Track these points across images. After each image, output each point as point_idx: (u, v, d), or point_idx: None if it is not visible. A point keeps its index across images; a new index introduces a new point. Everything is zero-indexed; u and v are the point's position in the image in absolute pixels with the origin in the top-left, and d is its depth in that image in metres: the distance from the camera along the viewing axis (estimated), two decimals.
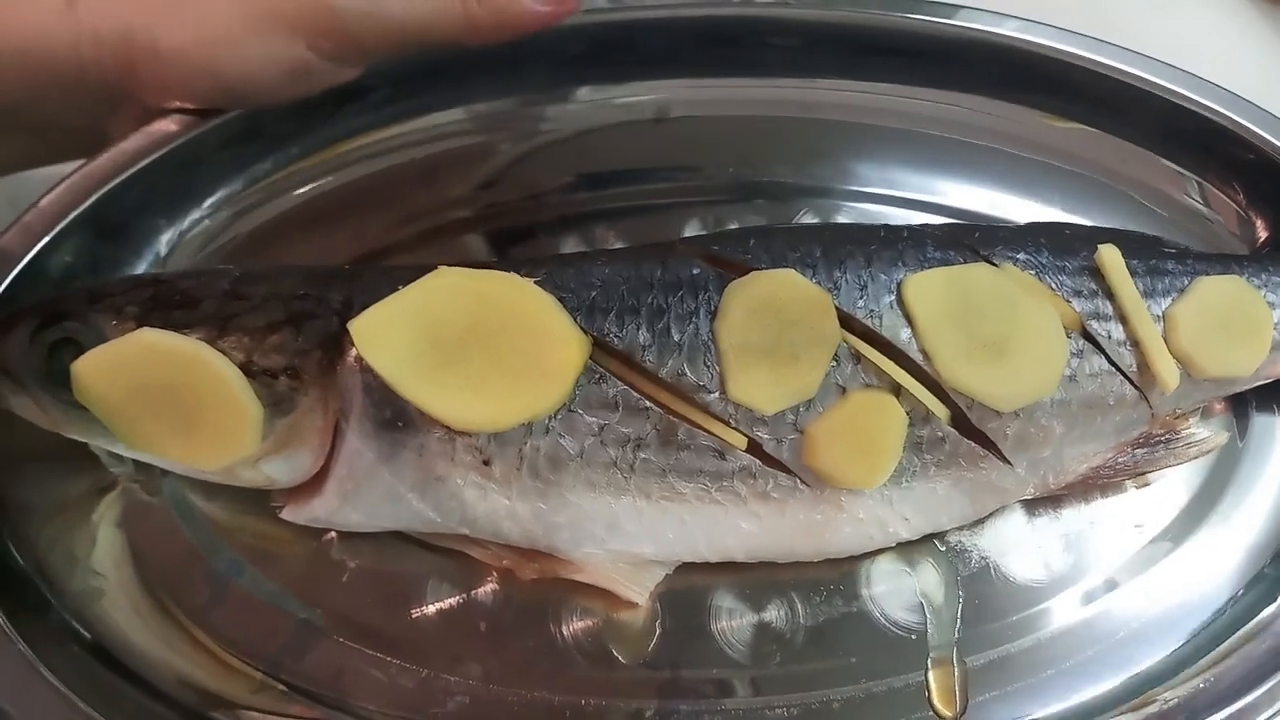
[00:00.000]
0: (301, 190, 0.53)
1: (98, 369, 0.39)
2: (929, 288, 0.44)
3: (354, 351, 0.40)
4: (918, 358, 0.43)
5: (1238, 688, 0.43)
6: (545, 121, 0.55)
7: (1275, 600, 0.46)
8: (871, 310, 0.43)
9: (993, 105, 0.57)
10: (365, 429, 0.41)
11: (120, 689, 0.42)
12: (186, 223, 0.50)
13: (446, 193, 0.53)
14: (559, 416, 0.41)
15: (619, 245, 0.52)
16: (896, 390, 0.43)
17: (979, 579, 0.47)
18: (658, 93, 0.55)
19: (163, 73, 0.45)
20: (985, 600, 0.46)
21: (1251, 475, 0.50)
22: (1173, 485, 0.49)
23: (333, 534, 0.46)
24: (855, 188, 0.56)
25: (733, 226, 0.53)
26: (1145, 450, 0.48)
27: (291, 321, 0.41)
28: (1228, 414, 0.51)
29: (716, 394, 0.42)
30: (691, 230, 0.53)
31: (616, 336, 0.42)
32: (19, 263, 0.45)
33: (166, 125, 0.48)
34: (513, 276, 0.41)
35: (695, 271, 0.43)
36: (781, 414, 0.42)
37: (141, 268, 0.50)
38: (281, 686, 0.44)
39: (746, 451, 0.42)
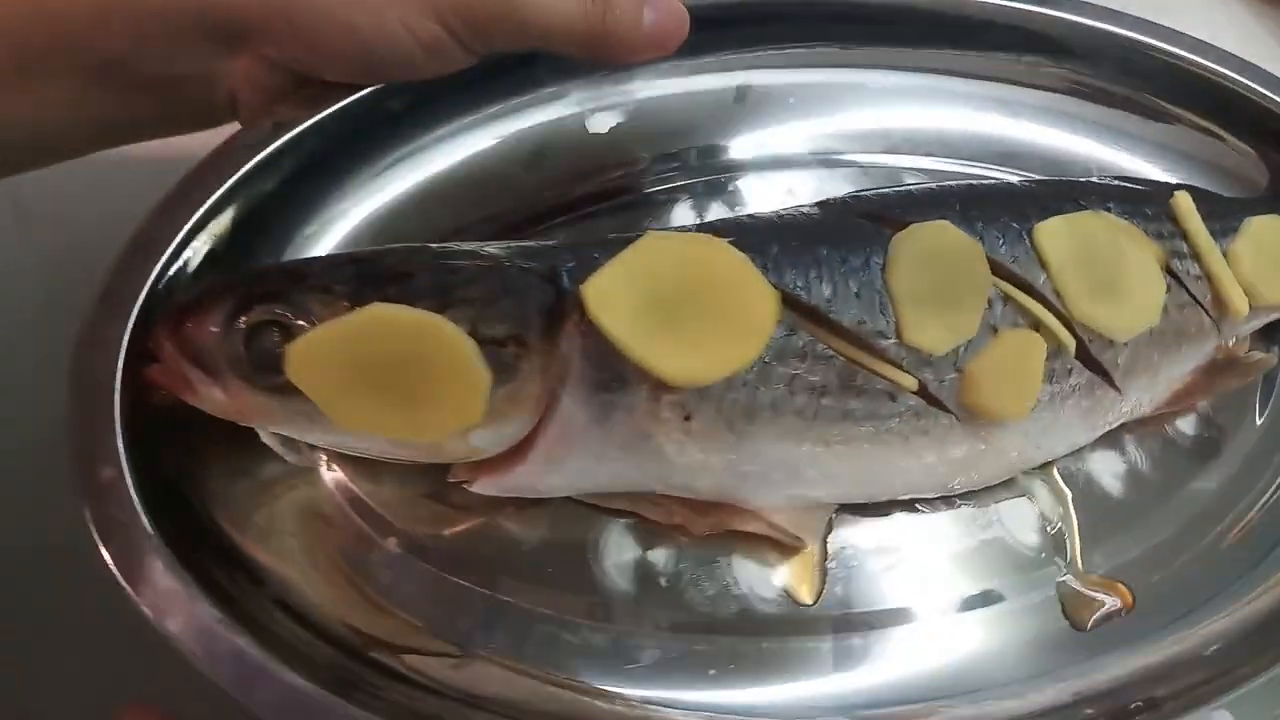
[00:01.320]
0: (413, 178, 0.52)
1: (318, 349, 0.39)
2: (1056, 234, 0.48)
3: (574, 316, 0.41)
4: (1051, 297, 0.47)
5: None
6: (634, 97, 0.56)
7: None
8: (1014, 256, 0.47)
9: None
10: (580, 393, 0.42)
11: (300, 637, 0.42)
12: (320, 207, 0.49)
13: (549, 175, 0.54)
14: (754, 369, 0.43)
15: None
16: (1037, 327, 0.47)
17: (1087, 499, 0.51)
18: (738, 71, 0.57)
19: (295, 20, 0.43)
20: (1097, 518, 0.51)
21: None
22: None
23: (499, 509, 0.46)
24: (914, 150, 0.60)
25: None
26: (1214, 374, 0.54)
27: (509, 290, 0.41)
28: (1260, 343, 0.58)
29: (892, 340, 0.45)
30: (786, 199, 0.56)
31: (802, 290, 0.44)
32: (165, 249, 0.44)
33: (284, 108, 0.47)
34: (712, 238, 0.43)
35: (856, 226, 0.46)
36: (945, 355, 0.45)
37: (279, 254, 0.48)
38: (474, 654, 0.44)
39: (914, 393, 0.45)
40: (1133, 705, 0.46)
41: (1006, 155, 0.60)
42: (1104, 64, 0.60)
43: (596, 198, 0.54)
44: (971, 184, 0.53)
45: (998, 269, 0.47)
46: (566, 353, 0.41)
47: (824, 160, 0.58)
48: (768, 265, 0.44)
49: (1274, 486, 0.53)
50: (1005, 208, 0.48)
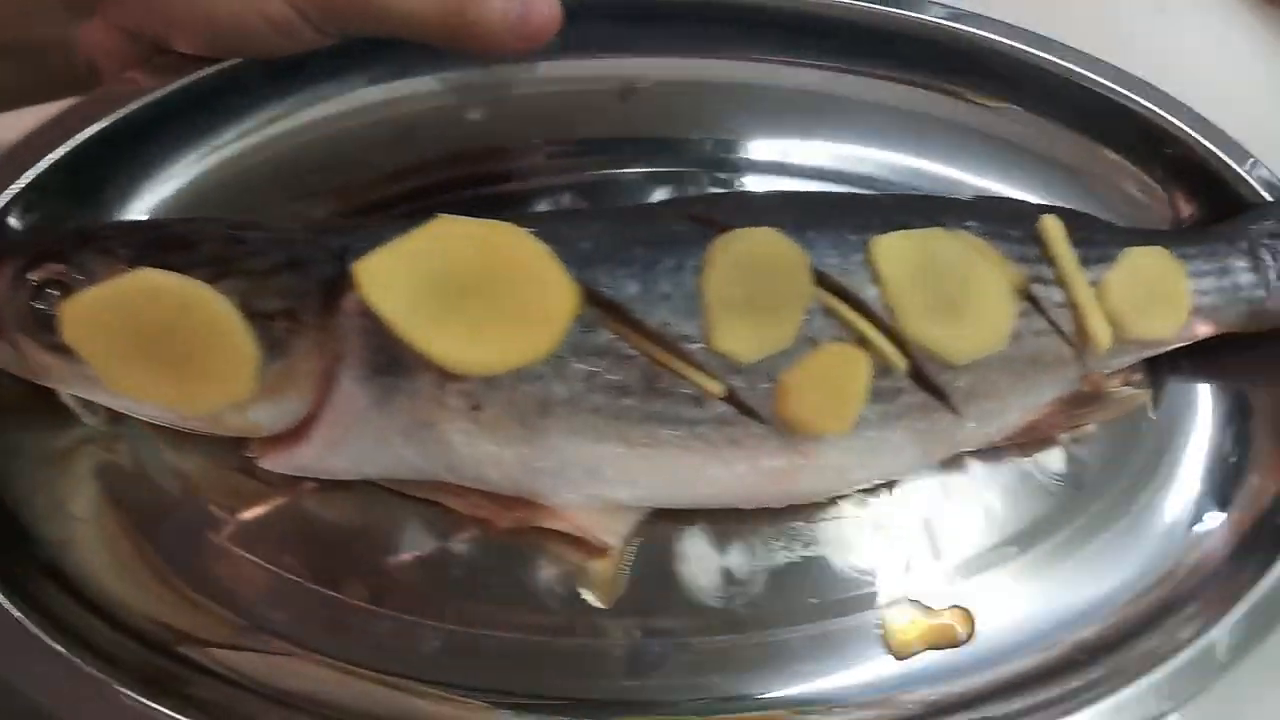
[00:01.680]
0: (276, 151, 0.52)
1: (90, 310, 0.39)
2: (894, 249, 0.46)
3: (353, 296, 0.40)
4: (882, 314, 0.46)
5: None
6: (515, 90, 0.55)
7: None
8: (843, 268, 0.46)
9: (932, 88, 0.59)
10: (359, 374, 0.41)
11: (93, 627, 0.42)
12: (160, 177, 0.49)
13: (420, 158, 0.54)
14: (549, 363, 0.42)
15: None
16: (862, 343, 0.46)
17: (927, 525, 0.50)
18: (626, 67, 0.56)
19: None
20: (934, 544, 0.50)
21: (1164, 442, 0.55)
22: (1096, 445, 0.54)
23: (307, 486, 0.46)
24: (807, 164, 0.58)
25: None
26: (1076, 407, 0.52)
27: (291, 265, 0.41)
28: (1145, 377, 0.56)
29: (699, 344, 0.44)
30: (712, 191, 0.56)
31: (607, 287, 0.43)
32: None
33: (141, 75, 0.47)
34: (511, 226, 0.42)
35: (680, 228, 0.45)
36: (757, 364, 0.44)
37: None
38: (259, 631, 0.44)
39: (723, 400, 0.44)
40: None
41: (898, 170, 0.58)
42: (1017, 86, 0.58)
43: (461, 185, 0.54)
44: (821, 193, 0.52)
45: (824, 280, 0.46)
46: (344, 332, 0.41)
47: (706, 163, 0.57)
48: (572, 259, 0.43)
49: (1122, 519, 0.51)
50: (846, 220, 0.47)
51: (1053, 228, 0.50)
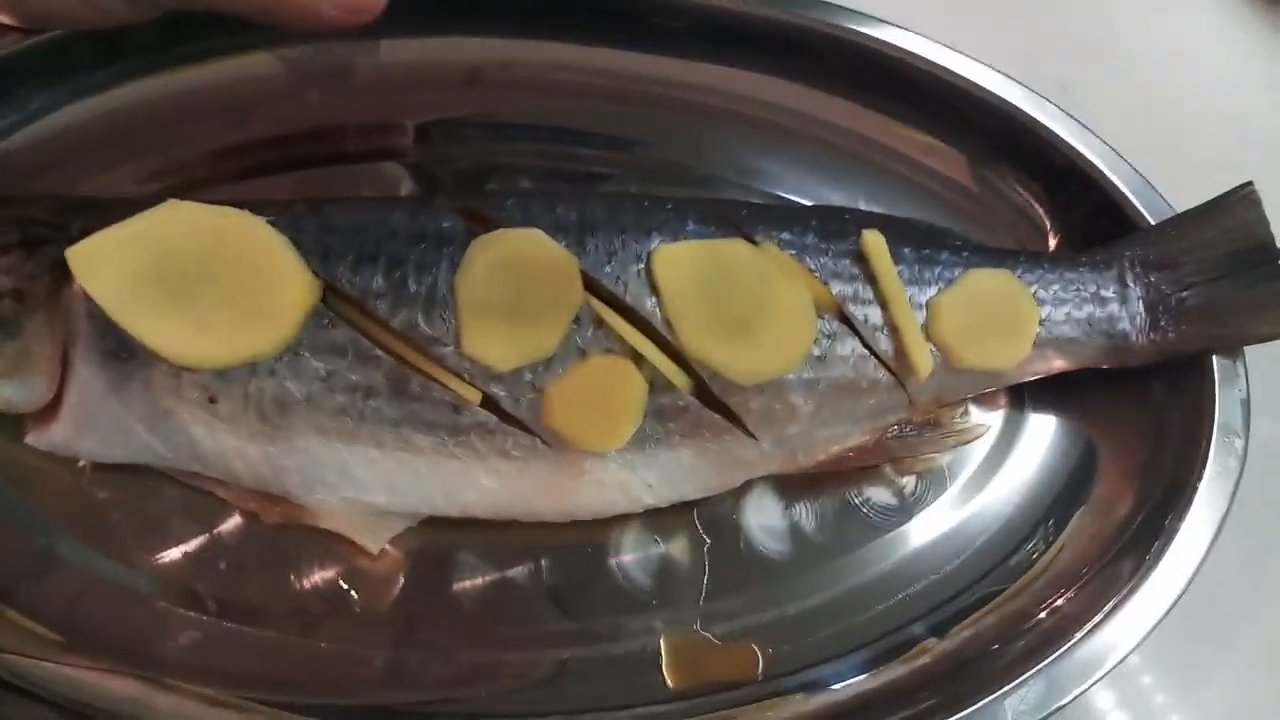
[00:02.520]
0: (105, 121, 0.52)
1: None
2: (678, 259, 0.44)
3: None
4: (661, 327, 0.43)
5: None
6: (353, 69, 0.54)
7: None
8: (618, 277, 0.44)
9: (821, 99, 0.56)
10: (92, 358, 0.41)
11: None
12: None
13: (254, 134, 0.53)
14: (284, 359, 0.41)
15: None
16: (638, 357, 0.43)
17: (728, 551, 0.47)
18: (473, 49, 0.55)
19: None
20: (730, 572, 0.47)
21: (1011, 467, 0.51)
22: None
23: (86, 464, 0.46)
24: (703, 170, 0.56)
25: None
26: (902, 436, 0.48)
27: (24, 245, 0.41)
28: (1007, 408, 0.52)
29: (451, 348, 0.42)
30: (492, 187, 0.53)
31: (349, 282, 0.42)
32: None
33: None
34: (245, 214, 0.41)
35: (445, 224, 0.44)
36: (520, 372, 0.42)
37: None
38: (12, 610, 0.44)
39: (483, 407, 0.43)
40: None
41: (745, 171, 0.55)
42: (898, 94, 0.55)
43: (290, 164, 0.53)
44: (616, 194, 0.49)
45: (597, 289, 0.43)
46: (74, 314, 0.40)
47: (549, 154, 0.55)
48: (314, 251, 0.42)
49: (949, 567, 0.48)
50: (632, 225, 0.45)
51: (874, 243, 0.47)
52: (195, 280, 0.40)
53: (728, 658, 0.46)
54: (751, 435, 0.45)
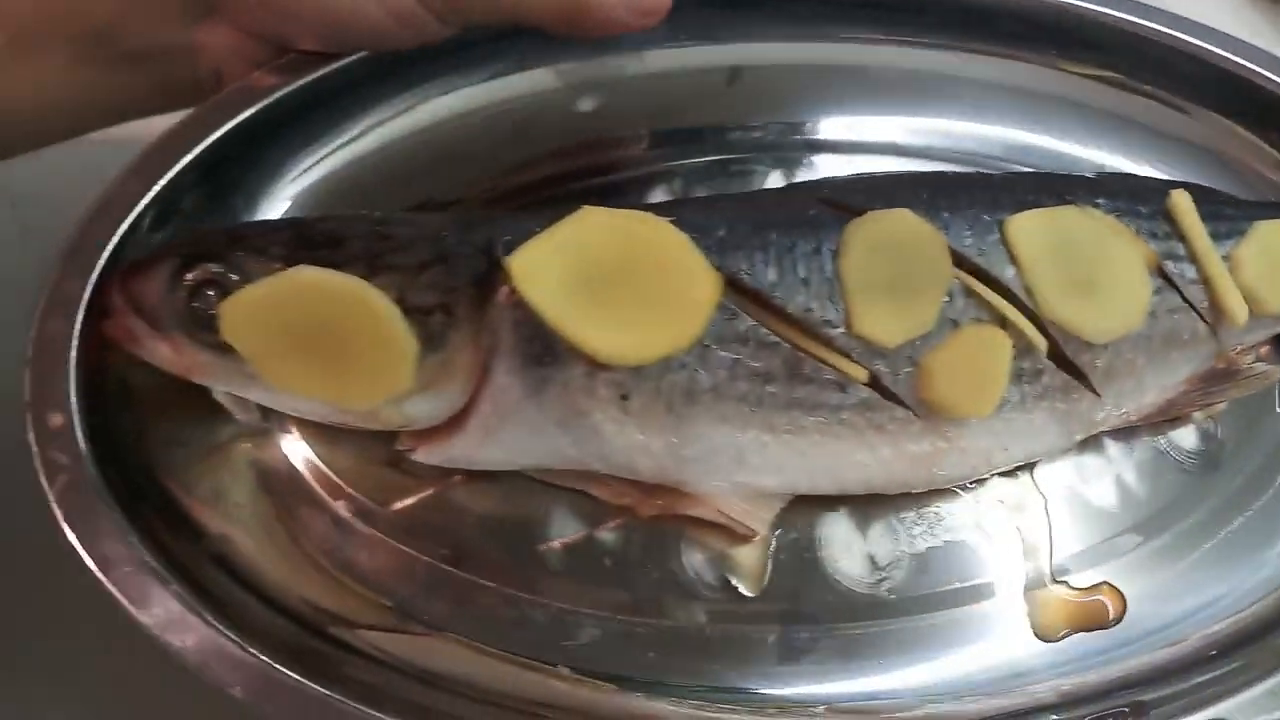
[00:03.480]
0: (391, 147, 0.53)
1: (249, 307, 0.40)
2: (1029, 228, 0.46)
3: (505, 288, 0.41)
4: (1021, 294, 0.46)
5: None
6: (623, 79, 0.56)
7: None
8: (980, 249, 0.46)
9: (1039, 62, 0.59)
10: (513, 365, 0.42)
11: (252, 608, 0.43)
12: (287, 177, 0.50)
13: (530, 153, 0.54)
14: (694, 352, 0.43)
15: None
16: (1003, 324, 0.45)
17: (1066, 507, 0.50)
18: (730, 53, 0.57)
19: None
20: (1072, 525, 0.49)
21: None
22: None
23: (454, 479, 0.47)
24: (918, 144, 0.58)
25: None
26: (1211, 383, 0.51)
27: (441, 259, 0.42)
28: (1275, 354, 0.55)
29: (840, 329, 0.44)
30: (773, 183, 0.55)
31: (746, 274, 0.43)
32: (130, 210, 0.45)
33: (265, 76, 0.48)
34: (652, 216, 0.43)
35: (813, 213, 0.45)
36: (899, 348, 0.44)
37: (239, 220, 0.50)
38: (412, 619, 0.45)
39: (866, 385, 0.44)
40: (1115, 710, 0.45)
41: (1012, 149, 0.58)
42: (1123, 57, 0.57)
43: (577, 177, 0.54)
44: (945, 173, 0.52)
45: (962, 261, 0.46)
46: (497, 324, 0.41)
47: (816, 146, 0.57)
48: (711, 247, 0.43)
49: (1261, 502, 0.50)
50: (977, 199, 0.47)
51: (1183, 203, 0.50)
52: (616, 282, 0.41)
53: (1090, 605, 0.48)
54: (1096, 393, 0.48)
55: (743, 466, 0.45)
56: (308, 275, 0.40)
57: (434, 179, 0.53)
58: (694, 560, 0.47)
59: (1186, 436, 0.52)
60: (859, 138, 0.57)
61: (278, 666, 0.39)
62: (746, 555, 0.47)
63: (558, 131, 0.54)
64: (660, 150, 0.56)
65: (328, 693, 0.39)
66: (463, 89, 0.53)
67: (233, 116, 0.47)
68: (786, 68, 0.57)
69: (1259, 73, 0.56)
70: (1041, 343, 0.46)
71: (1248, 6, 0.74)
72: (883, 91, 0.58)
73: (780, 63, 0.57)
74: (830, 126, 0.57)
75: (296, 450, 0.47)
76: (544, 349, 0.42)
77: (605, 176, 0.55)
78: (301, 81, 0.48)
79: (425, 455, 0.44)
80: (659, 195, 0.54)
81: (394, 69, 0.51)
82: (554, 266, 0.41)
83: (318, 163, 0.51)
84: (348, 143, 0.52)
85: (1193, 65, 0.56)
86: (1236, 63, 0.56)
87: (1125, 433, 0.51)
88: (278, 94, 0.48)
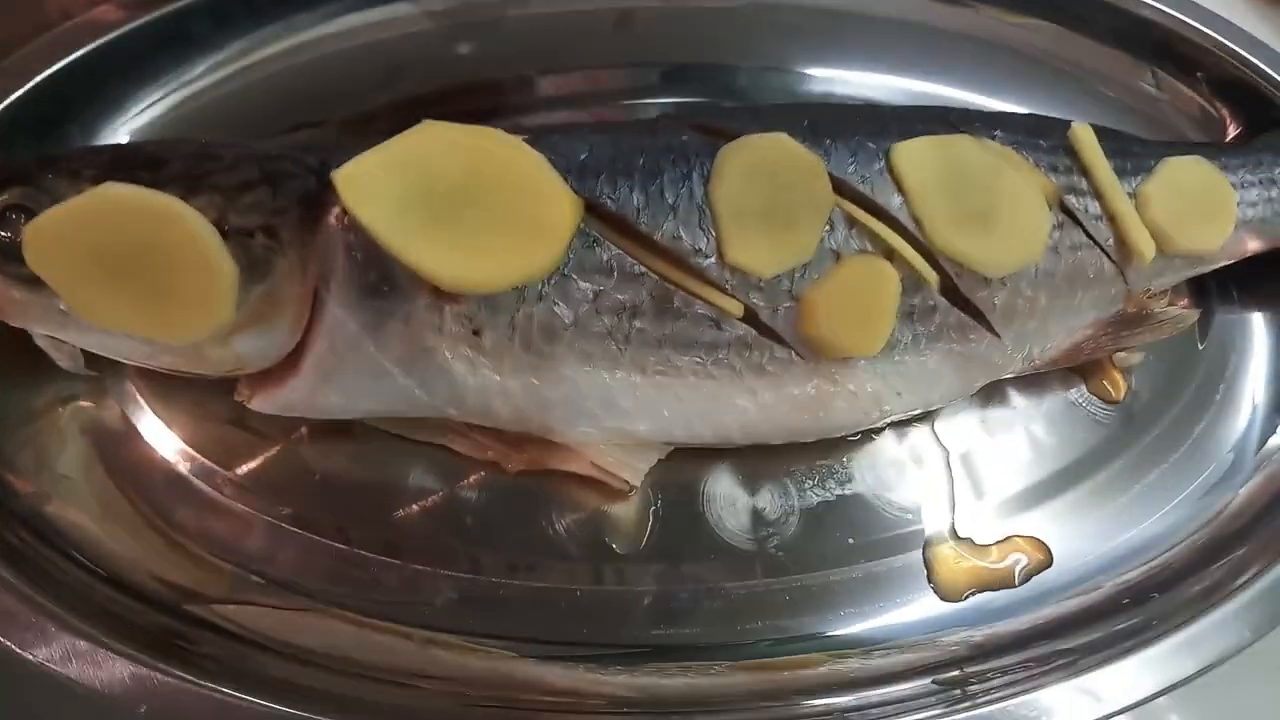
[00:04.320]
0: (256, 86, 0.50)
1: (55, 232, 0.36)
2: (918, 155, 0.43)
3: (336, 210, 0.38)
4: (909, 224, 0.43)
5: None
6: (506, 21, 0.53)
7: None
8: (863, 176, 0.43)
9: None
10: (348, 296, 0.38)
11: (90, 586, 0.39)
12: (132, 111, 0.47)
13: (405, 93, 0.51)
14: (552, 282, 0.39)
15: None
16: (889, 256, 0.42)
17: (970, 461, 0.47)
18: None
19: None
20: (976, 480, 0.46)
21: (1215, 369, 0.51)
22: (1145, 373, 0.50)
23: (302, 432, 0.44)
24: (825, 88, 0.55)
25: None
26: (1122, 327, 0.48)
27: (267, 180, 0.38)
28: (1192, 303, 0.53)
29: (713, 259, 0.41)
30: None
31: (610, 199, 0.40)
32: None
33: (112, 11, 0.45)
34: (503, 134, 0.39)
35: (685, 138, 0.42)
36: (777, 280, 0.41)
37: None
38: (257, 579, 0.41)
39: (742, 321, 0.41)
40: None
41: (919, 95, 0.55)
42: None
43: (454, 119, 0.51)
44: (832, 104, 0.49)
45: (844, 189, 0.43)
46: (328, 249, 0.38)
47: (709, 91, 0.54)
48: (570, 169, 0.40)
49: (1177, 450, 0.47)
50: (863, 127, 0.44)
51: (1084, 136, 0.47)
52: (461, 202, 0.38)
53: (993, 566, 0.45)
54: (995, 333, 0.45)
55: (612, 411, 0.41)
56: (116, 192, 0.36)
57: (291, 120, 0.49)
58: (566, 518, 0.43)
59: (1100, 387, 0.49)
60: (753, 85, 0.54)
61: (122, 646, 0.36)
62: (623, 511, 0.44)
63: (432, 72, 0.51)
64: (543, 98, 0.53)
65: (182, 675, 0.35)
66: (325, 23, 0.50)
67: (72, 51, 0.44)
68: (678, 10, 0.54)
69: (1188, 24, 0.54)
70: (932, 276, 0.43)
71: (1248, 8, 0.72)
72: (783, 33, 0.55)
73: (673, 6, 0.54)
74: (726, 73, 0.55)
75: (133, 410, 0.43)
76: (381, 277, 0.38)
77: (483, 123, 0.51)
78: (150, 16, 0.46)
79: (260, 403, 0.41)
80: None
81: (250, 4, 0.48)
82: (389, 183, 0.37)
83: (165, 99, 0.48)
84: (197, 79, 0.49)
85: (1116, 12, 0.54)
86: (1160, 10, 0.54)
87: (1034, 384, 0.49)
88: (120, 30, 0.45)
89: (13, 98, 0.43)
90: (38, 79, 0.44)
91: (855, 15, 0.54)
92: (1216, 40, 0.54)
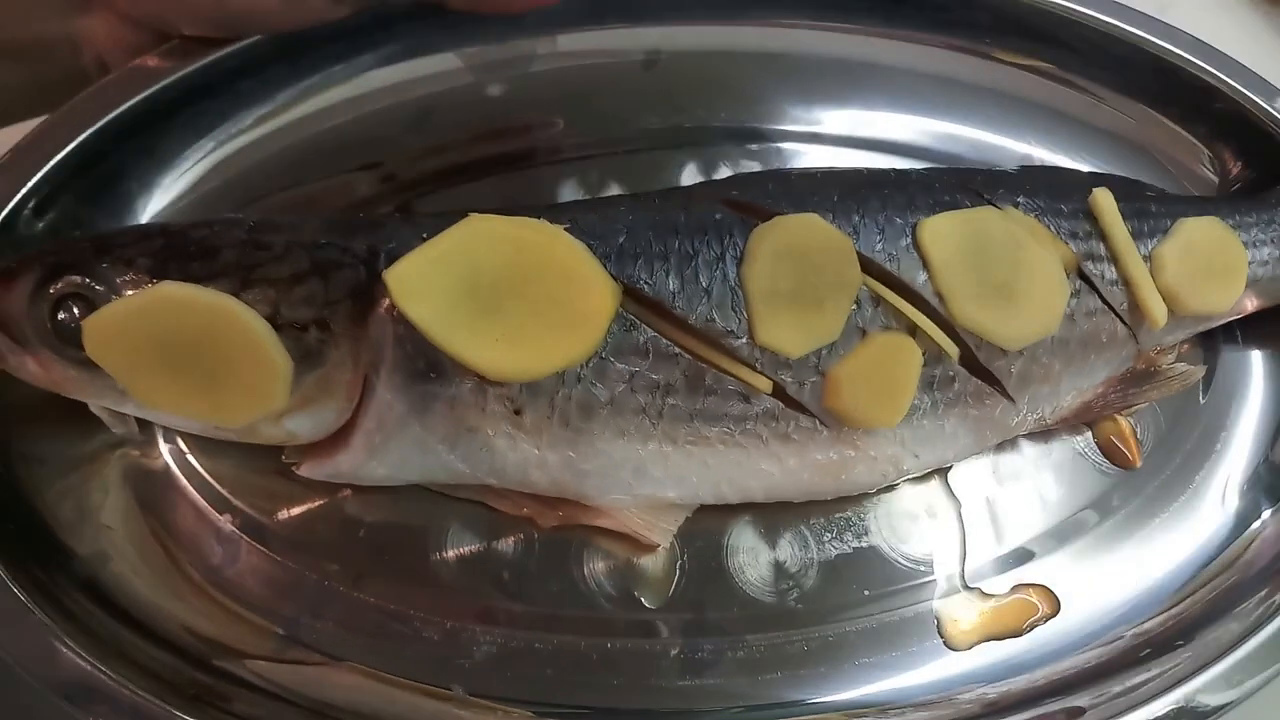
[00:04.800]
0: (286, 138, 0.50)
1: (113, 324, 0.38)
2: (943, 231, 0.45)
3: (386, 301, 0.39)
4: (933, 300, 0.44)
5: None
6: (535, 64, 0.53)
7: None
8: (890, 254, 0.44)
9: (968, 50, 0.57)
10: (396, 381, 0.40)
11: (128, 640, 0.41)
12: (177, 167, 0.48)
13: (436, 139, 0.52)
14: (591, 365, 0.41)
15: (620, 191, 0.52)
16: (913, 331, 0.44)
17: (980, 512, 0.49)
18: (647, 37, 0.54)
19: None
20: (986, 531, 0.48)
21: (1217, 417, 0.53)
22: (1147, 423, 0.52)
23: (346, 491, 0.45)
24: (841, 133, 0.56)
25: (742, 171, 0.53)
26: (1131, 385, 0.50)
27: (318, 271, 0.39)
28: (1197, 350, 0.54)
29: (744, 339, 0.42)
30: (689, 176, 0.53)
31: (646, 284, 0.41)
32: None
33: (147, 64, 0.46)
34: (544, 224, 0.41)
35: (718, 216, 0.43)
36: (805, 357, 0.43)
37: (120, 217, 0.47)
38: (300, 643, 0.43)
39: (770, 395, 0.43)
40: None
41: (939, 138, 0.56)
42: (1056, 46, 0.56)
43: (483, 167, 0.52)
44: (861, 170, 0.50)
45: (870, 267, 0.44)
46: (377, 339, 0.39)
47: (735, 135, 0.54)
48: (609, 254, 0.41)
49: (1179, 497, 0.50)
50: (891, 200, 0.45)
51: (1105, 202, 0.48)
52: (505, 294, 0.39)
53: (1001, 614, 0.47)
54: (1010, 399, 0.46)
55: (643, 479, 0.43)
56: (173, 291, 0.38)
57: (331, 169, 0.50)
58: (596, 572, 0.45)
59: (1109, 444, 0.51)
60: (779, 126, 0.55)
61: (154, 700, 0.38)
62: (651, 566, 0.46)
63: (463, 118, 0.52)
64: (574, 140, 0.54)
65: None
66: (360, 74, 0.51)
67: (112, 109, 0.45)
68: (705, 53, 0.55)
69: (1191, 61, 0.54)
70: (953, 350, 0.45)
71: (1249, 9, 0.72)
72: (805, 78, 0.56)
73: (699, 48, 0.55)
74: (750, 114, 0.55)
75: (178, 460, 0.45)
76: (428, 364, 0.40)
77: (516, 167, 0.52)
78: (189, 69, 0.46)
79: (310, 470, 0.43)
80: (570, 186, 0.52)
81: (286, 53, 0.49)
82: (437, 279, 0.39)
83: (208, 153, 0.49)
84: (240, 133, 0.49)
85: (1114, 49, 0.55)
86: (1169, 50, 0.54)
87: (1042, 435, 0.50)
88: (162, 82, 0.46)
89: (59, 157, 0.44)
90: (82, 137, 0.44)
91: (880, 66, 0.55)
92: (1227, 82, 0.54)
